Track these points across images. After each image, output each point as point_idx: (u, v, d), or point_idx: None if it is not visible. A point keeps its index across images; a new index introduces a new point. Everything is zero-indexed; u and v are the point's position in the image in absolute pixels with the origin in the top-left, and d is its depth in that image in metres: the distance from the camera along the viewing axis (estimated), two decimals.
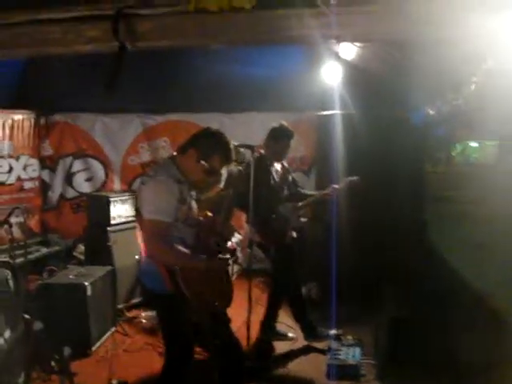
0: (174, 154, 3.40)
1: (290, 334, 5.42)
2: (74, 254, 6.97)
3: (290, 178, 5.36)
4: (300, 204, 5.18)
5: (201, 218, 3.46)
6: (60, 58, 5.08)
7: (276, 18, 2.60)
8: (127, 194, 6.58)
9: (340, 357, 4.72)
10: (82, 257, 6.69)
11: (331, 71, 5.56)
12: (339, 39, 2.75)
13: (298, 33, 2.63)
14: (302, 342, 5.31)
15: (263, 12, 2.58)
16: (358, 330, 5.38)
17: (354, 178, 5.19)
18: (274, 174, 5.10)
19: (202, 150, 3.27)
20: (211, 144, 3.29)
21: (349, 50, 5.85)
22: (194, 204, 3.40)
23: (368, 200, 6.14)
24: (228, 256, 3.43)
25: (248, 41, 2.63)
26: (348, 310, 5.46)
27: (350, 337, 5.20)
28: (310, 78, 5.91)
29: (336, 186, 5.14)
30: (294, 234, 5.19)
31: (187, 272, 3.18)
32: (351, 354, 4.77)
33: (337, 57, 5.46)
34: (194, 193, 3.41)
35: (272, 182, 5.06)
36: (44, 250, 6.78)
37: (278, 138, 5.04)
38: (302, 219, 5.36)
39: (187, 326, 3.35)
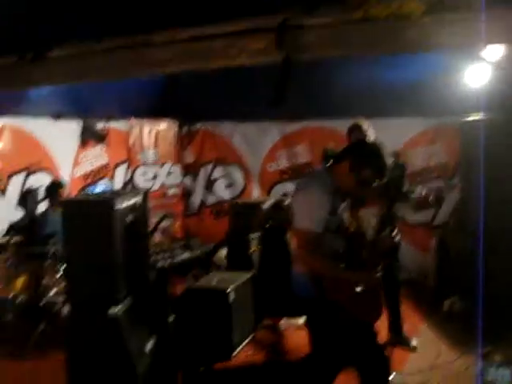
0: (330, 163, 3.35)
1: (413, 343, 5.13)
2: (214, 259, 7.13)
3: None
4: None
5: (352, 230, 3.38)
6: None
7: (443, 23, 2.44)
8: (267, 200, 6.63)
9: (487, 378, 4.43)
10: (222, 262, 6.83)
11: (475, 73, 5.27)
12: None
13: (463, 39, 2.48)
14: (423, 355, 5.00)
15: (431, 18, 2.43)
16: (509, 348, 4.99)
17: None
18: None
19: (355, 160, 3.18)
20: (365, 155, 3.20)
21: (494, 51, 5.50)
22: (345, 215, 3.32)
23: None
24: (379, 269, 3.34)
25: (414, 49, 2.51)
26: (497, 326, 5.13)
27: (498, 356, 4.87)
28: (452, 81, 5.64)
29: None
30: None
31: (335, 283, 3.15)
32: (500, 376, 4.46)
33: (481, 58, 5.15)
34: (346, 204, 3.34)
35: None
36: (187, 255, 6.97)
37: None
38: None
39: (337, 334, 3.25)
